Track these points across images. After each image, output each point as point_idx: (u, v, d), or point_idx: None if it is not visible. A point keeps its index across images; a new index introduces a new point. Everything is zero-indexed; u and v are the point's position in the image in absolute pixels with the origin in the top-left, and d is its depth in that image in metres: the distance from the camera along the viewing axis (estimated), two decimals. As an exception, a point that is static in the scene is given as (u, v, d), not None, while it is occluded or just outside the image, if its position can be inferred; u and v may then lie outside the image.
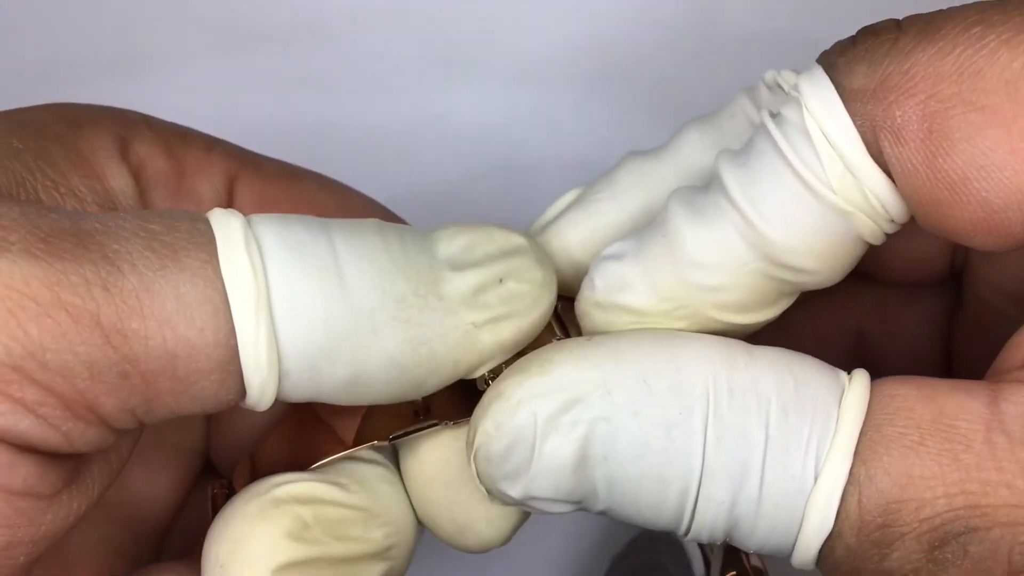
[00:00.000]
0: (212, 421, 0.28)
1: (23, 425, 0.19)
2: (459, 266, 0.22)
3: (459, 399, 0.23)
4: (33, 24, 0.39)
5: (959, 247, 0.25)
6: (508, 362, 0.22)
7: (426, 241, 0.22)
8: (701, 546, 0.28)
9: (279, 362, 0.20)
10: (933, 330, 0.27)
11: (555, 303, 0.23)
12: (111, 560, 0.24)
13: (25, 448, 0.19)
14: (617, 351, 0.21)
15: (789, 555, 0.20)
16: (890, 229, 0.21)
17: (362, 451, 0.23)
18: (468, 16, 0.39)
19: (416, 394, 0.22)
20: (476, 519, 0.23)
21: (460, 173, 0.40)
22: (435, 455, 0.23)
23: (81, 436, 0.19)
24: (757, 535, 0.20)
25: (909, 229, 0.21)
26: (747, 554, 0.25)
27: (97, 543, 0.25)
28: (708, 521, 0.20)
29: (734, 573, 0.26)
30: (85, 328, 0.19)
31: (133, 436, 0.22)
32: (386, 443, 0.23)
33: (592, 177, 0.41)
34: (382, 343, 0.21)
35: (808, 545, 0.20)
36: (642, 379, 0.20)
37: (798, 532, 0.20)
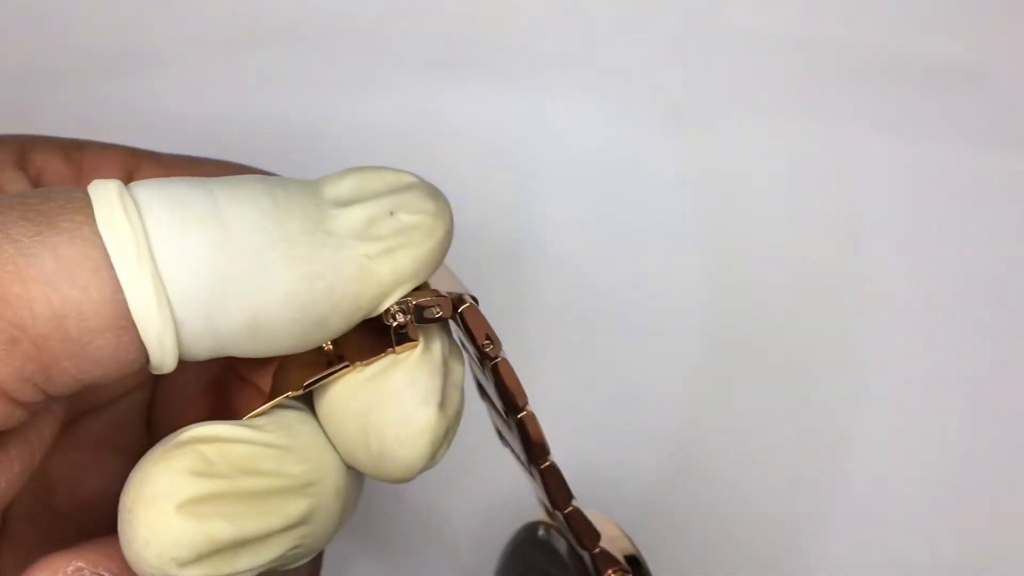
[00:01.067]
0: (153, 408, 0.28)
1: None
2: (347, 203, 0.22)
3: (369, 340, 0.23)
4: (33, 24, 0.39)
5: None
6: (412, 294, 0.22)
7: (311, 185, 0.22)
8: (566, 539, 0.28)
9: (171, 311, 0.20)
10: None
11: (452, 233, 0.23)
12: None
13: None
14: None
15: None
16: None
17: (280, 402, 0.23)
18: (468, 16, 0.39)
19: (323, 335, 0.22)
20: (390, 443, 0.22)
21: (460, 173, 0.40)
22: (344, 393, 0.23)
23: None
24: None
25: None
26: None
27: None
28: None
29: (612, 570, 0.27)
30: None
31: (51, 418, 0.23)
32: (300, 391, 0.23)
33: (592, 177, 0.41)
34: (274, 282, 0.21)
35: None
36: None
37: None
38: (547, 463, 0.25)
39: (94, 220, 0.20)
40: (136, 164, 0.26)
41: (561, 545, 0.29)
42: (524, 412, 0.24)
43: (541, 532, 0.30)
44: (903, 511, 0.39)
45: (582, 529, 0.26)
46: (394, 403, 0.22)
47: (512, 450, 0.28)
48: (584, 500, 0.26)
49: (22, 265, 0.19)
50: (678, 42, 0.39)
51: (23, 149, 0.26)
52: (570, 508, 0.26)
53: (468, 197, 0.40)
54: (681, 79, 0.40)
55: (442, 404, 0.23)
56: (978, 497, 0.39)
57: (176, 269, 0.20)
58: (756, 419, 0.39)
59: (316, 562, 0.27)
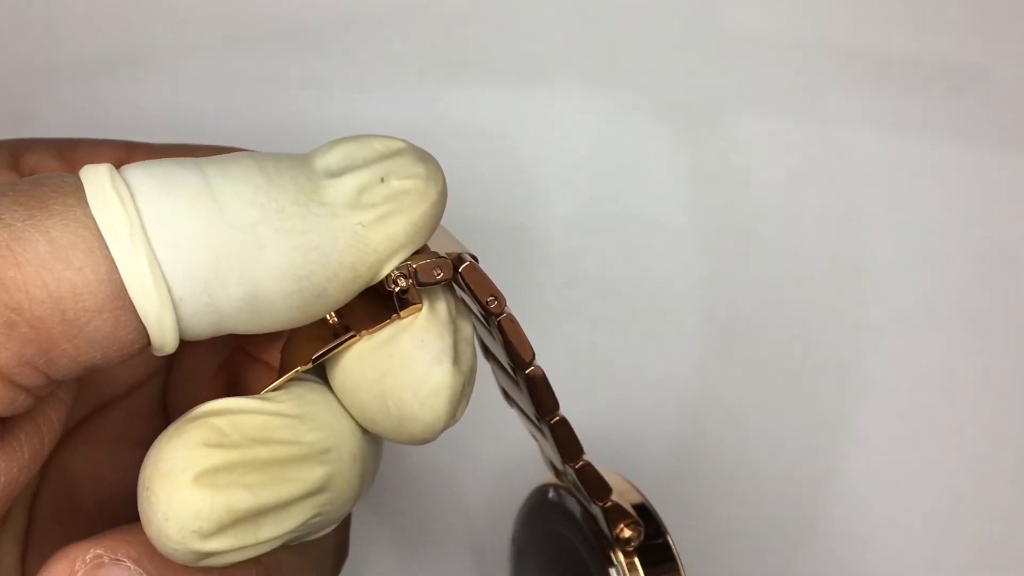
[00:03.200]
0: (168, 398, 0.28)
1: None
2: (338, 173, 0.22)
3: (373, 308, 0.23)
4: (33, 24, 0.39)
5: None
6: (411, 259, 0.22)
7: (302, 158, 0.22)
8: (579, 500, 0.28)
9: (169, 289, 0.20)
10: None
11: (445, 195, 0.23)
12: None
13: None
14: None
15: None
16: None
17: (292, 376, 0.23)
18: (468, 16, 0.39)
19: (323, 306, 0.22)
20: (408, 405, 0.22)
21: (460, 173, 0.40)
22: (356, 362, 0.23)
23: None
24: None
25: None
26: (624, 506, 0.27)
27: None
28: None
29: (625, 524, 0.27)
30: None
31: (59, 404, 0.23)
32: (310, 365, 0.23)
33: (592, 176, 0.41)
34: (270, 255, 0.21)
35: None
36: None
37: None
38: (557, 417, 0.25)
39: (86, 202, 0.20)
40: (128, 155, 0.27)
41: (572, 506, 0.29)
42: (532, 367, 0.24)
43: (551, 494, 0.30)
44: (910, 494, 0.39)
45: (593, 483, 0.26)
46: (407, 366, 0.22)
47: (520, 409, 0.28)
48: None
49: (16, 249, 0.19)
50: (678, 42, 0.39)
51: (16, 152, 0.26)
52: (581, 462, 0.26)
53: (468, 197, 0.40)
54: (681, 79, 0.40)
55: (455, 360, 0.22)
56: (981, 491, 0.39)
57: (170, 247, 0.20)
58: (757, 417, 0.39)
59: (343, 538, 0.27)
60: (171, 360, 0.28)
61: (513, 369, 0.25)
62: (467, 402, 0.23)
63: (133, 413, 0.28)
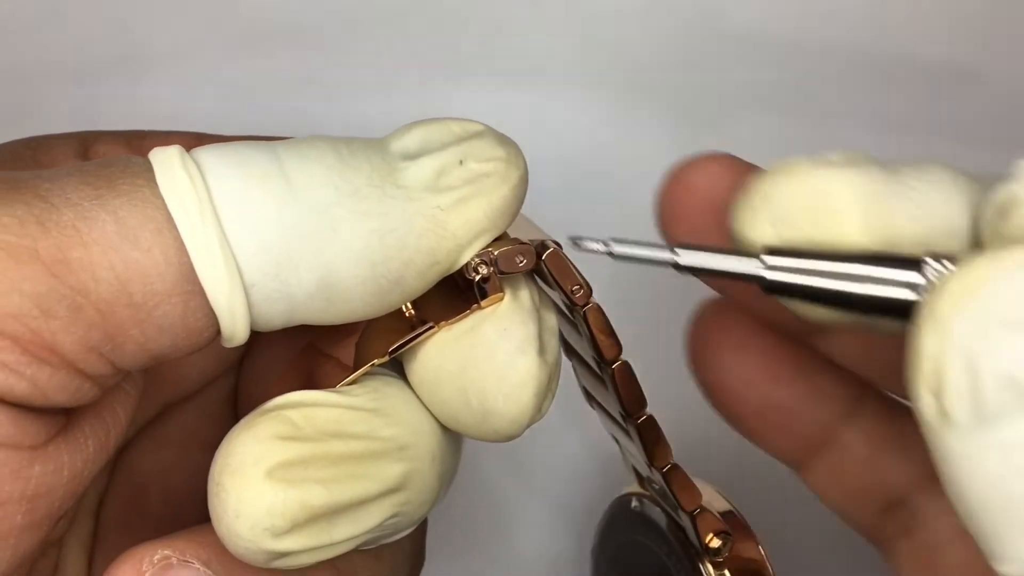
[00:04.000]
0: (239, 398, 0.27)
1: None
2: (415, 156, 0.21)
3: (452, 299, 0.22)
4: (33, 24, 0.39)
5: None
6: (491, 245, 0.21)
7: (378, 142, 0.21)
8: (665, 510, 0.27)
9: (240, 272, 0.19)
10: None
11: (526, 180, 0.22)
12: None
13: None
14: None
15: None
16: None
17: (367, 370, 0.22)
18: (468, 16, 0.39)
19: (399, 295, 0.21)
20: (492, 398, 0.21)
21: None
22: (436, 353, 0.22)
23: (50, 382, 0.19)
24: None
25: None
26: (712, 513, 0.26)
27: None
28: None
29: (715, 533, 0.25)
30: (25, 264, 0.18)
31: (125, 398, 0.22)
32: (386, 358, 0.22)
33: (591, 177, 0.41)
34: (344, 238, 0.20)
35: None
36: None
37: None
38: (644, 416, 0.24)
39: (155, 182, 0.19)
40: (197, 144, 0.26)
41: (656, 515, 0.27)
42: (619, 362, 0.23)
43: (634, 503, 0.29)
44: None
45: (682, 488, 0.25)
46: (490, 356, 0.21)
47: (603, 409, 0.26)
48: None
49: (82, 229, 0.18)
50: (678, 42, 0.39)
51: (85, 142, 0.25)
52: (669, 464, 0.24)
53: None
54: (681, 79, 0.40)
55: (541, 351, 0.21)
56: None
57: (241, 228, 0.19)
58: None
59: (419, 545, 0.26)
60: (241, 359, 0.27)
61: (599, 364, 0.23)
62: (552, 397, 0.22)
63: (202, 414, 0.27)
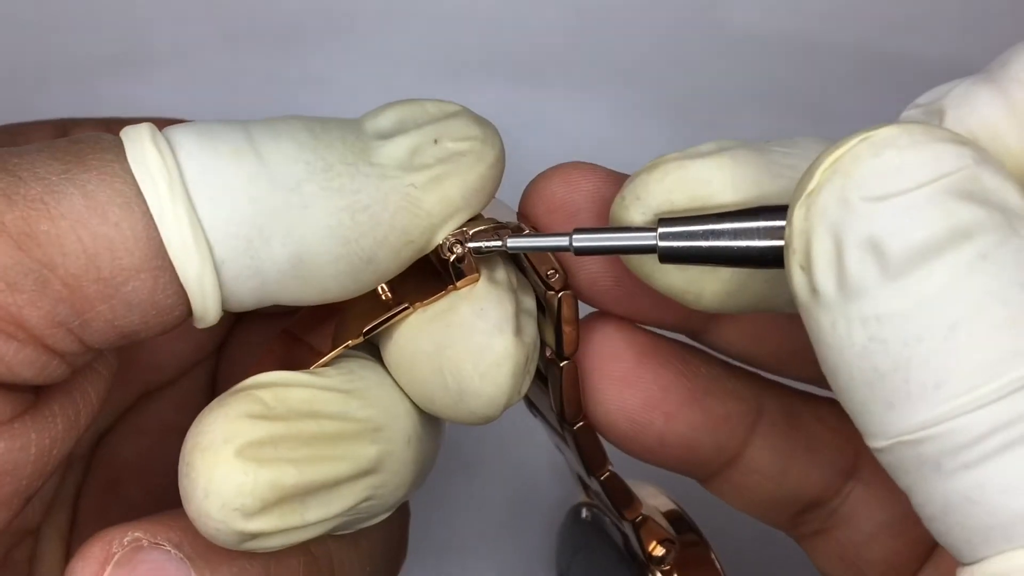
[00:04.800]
0: (216, 388, 0.27)
1: None
2: (389, 135, 0.21)
3: (427, 281, 0.22)
4: (33, 24, 0.39)
5: None
6: (466, 225, 0.21)
7: (352, 121, 0.21)
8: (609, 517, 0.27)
9: (210, 248, 0.19)
10: None
11: (503, 160, 0.21)
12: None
13: None
14: None
15: None
16: None
17: (341, 351, 0.22)
18: (469, 16, 0.39)
19: (373, 274, 0.21)
20: (468, 377, 0.21)
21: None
22: (411, 334, 0.22)
23: (16, 357, 0.19)
24: None
25: None
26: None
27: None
28: None
29: (658, 541, 0.25)
30: None
31: (97, 378, 0.22)
32: (360, 339, 0.22)
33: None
34: (316, 214, 0.19)
35: None
36: None
37: None
38: (580, 424, 0.23)
39: (125, 158, 0.19)
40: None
41: (607, 524, 0.27)
42: (570, 361, 0.23)
43: (584, 513, 0.28)
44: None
45: (620, 496, 0.24)
46: (466, 336, 0.21)
47: (543, 417, 0.26)
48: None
49: (50, 202, 0.18)
50: (678, 42, 0.39)
51: (63, 126, 0.25)
52: (607, 472, 0.24)
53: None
54: (681, 79, 0.40)
55: (517, 331, 0.21)
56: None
57: (212, 203, 0.19)
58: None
59: (401, 535, 0.26)
60: (220, 347, 0.27)
61: (546, 364, 0.23)
62: (530, 378, 0.22)
63: (181, 402, 0.27)
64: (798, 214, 0.17)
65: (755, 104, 0.39)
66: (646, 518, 0.25)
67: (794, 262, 0.17)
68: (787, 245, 0.18)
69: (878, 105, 0.40)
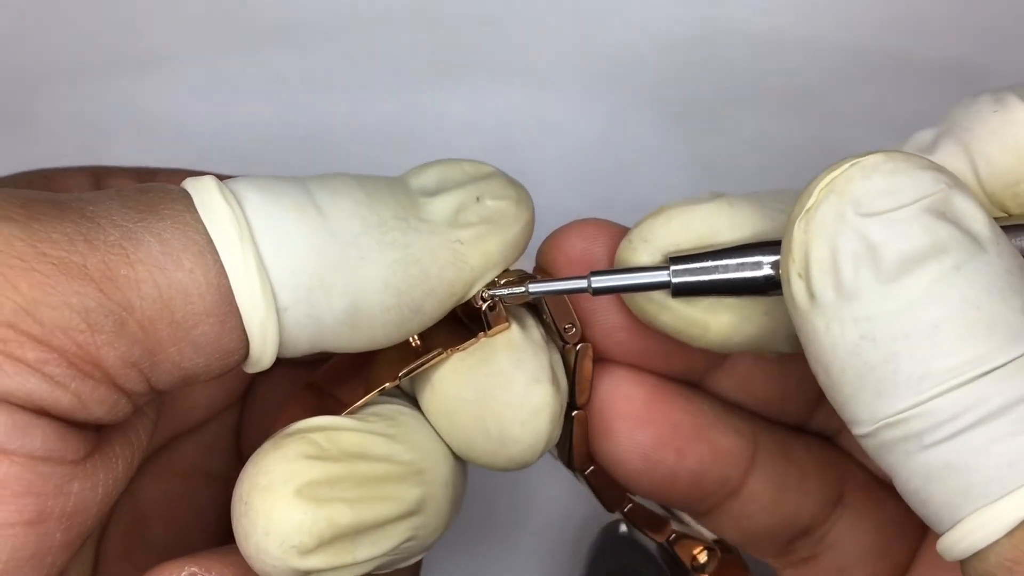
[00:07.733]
0: (242, 432, 0.28)
1: (30, 385, 0.19)
2: (434, 193, 0.22)
3: (454, 329, 0.23)
4: (33, 24, 0.39)
5: None
6: (498, 279, 0.22)
7: (398, 178, 0.22)
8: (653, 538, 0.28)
9: (275, 296, 0.20)
10: None
11: (534, 219, 0.23)
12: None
13: (38, 412, 0.19)
14: None
15: None
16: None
17: (376, 395, 0.23)
18: (467, 16, 0.40)
19: (418, 323, 0.22)
20: (509, 425, 0.22)
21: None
22: (450, 381, 0.23)
23: (92, 396, 0.19)
24: None
25: None
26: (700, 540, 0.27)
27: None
28: None
29: (698, 550, 0.26)
30: (74, 279, 0.19)
31: (146, 422, 0.22)
32: (397, 382, 0.23)
33: (591, 177, 0.41)
34: (372, 267, 0.21)
35: None
36: None
37: None
38: (591, 468, 0.25)
39: (195, 208, 0.20)
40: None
41: (644, 539, 0.28)
42: (581, 411, 0.24)
43: (623, 528, 0.30)
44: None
45: (647, 522, 0.26)
46: (506, 385, 0.22)
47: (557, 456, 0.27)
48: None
49: (129, 248, 0.19)
50: (678, 42, 0.39)
51: (96, 175, 0.26)
52: (629, 505, 0.25)
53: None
54: (681, 79, 0.40)
55: (553, 380, 0.22)
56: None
57: (278, 254, 0.20)
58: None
59: (416, 572, 0.26)
60: (245, 394, 0.28)
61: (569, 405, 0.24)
62: (561, 426, 0.23)
63: (207, 446, 0.27)
64: (798, 227, 0.19)
65: (755, 104, 0.40)
66: (681, 533, 0.26)
67: (793, 272, 0.19)
68: (784, 257, 0.20)
69: (878, 105, 0.40)
